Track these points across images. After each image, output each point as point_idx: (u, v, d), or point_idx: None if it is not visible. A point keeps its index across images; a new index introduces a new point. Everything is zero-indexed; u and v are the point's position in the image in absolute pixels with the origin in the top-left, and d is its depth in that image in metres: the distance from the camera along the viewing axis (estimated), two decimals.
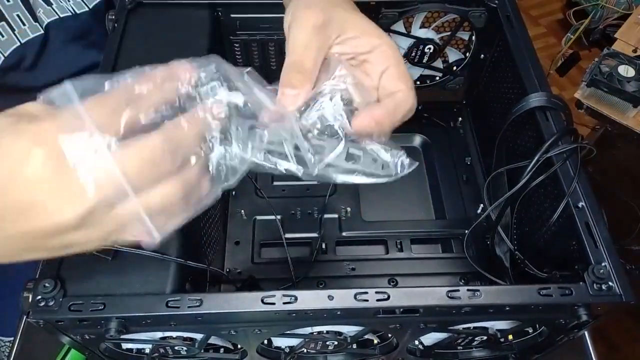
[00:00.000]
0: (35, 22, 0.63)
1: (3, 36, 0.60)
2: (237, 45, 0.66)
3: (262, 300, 0.38)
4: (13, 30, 0.61)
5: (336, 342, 0.47)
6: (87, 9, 0.68)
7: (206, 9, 0.59)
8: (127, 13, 0.57)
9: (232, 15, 0.62)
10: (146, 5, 0.58)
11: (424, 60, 0.66)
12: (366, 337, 0.49)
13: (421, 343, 0.52)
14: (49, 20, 0.64)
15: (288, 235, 0.63)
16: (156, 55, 0.54)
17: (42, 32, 0.63)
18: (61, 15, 0.65)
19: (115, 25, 0.56)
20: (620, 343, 1.29)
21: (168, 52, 0.55)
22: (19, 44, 0.61)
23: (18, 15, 0.61)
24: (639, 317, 1.28)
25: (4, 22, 0.60)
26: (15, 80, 0.63)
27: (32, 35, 0.62)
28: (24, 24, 0.62)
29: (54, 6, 0.65)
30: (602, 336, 1.29)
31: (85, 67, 0.68)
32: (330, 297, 0.39)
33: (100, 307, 0.37)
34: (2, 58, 0.60)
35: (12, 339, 0.61)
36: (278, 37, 0.65)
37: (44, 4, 0.64)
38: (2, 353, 0.71)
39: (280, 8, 0.61)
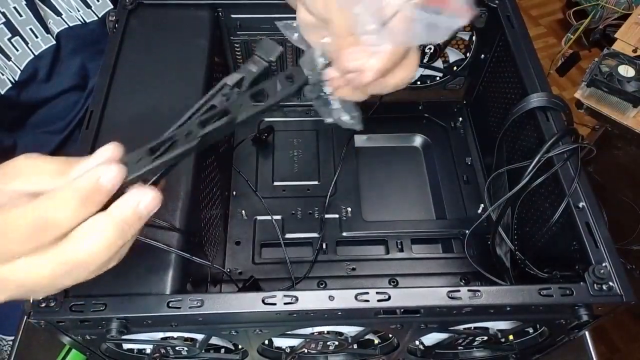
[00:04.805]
0: (47, 33, 0.63)
1: (18, 50, 0.61)
2: (237, 45, 0.66)
3: (263, 301, 0.38)
4: (27, 43, 0.61)
5: (337, 343, 0.47)
6: (96, 18, 0.68)
7: (206, 9, 0.59)
8: (127, 13, 0.57)
9: (232, 16, 0.62)
10: (146, 5, 0.58)
11: (425, 60, 0.66)
12: (367, 337, 0.49)
13: (422, 343, 0.52)
14: (58, 30, 0.64)
15: (289, 235, 0.63)
16: (156, 55, 0.55)
17: (54, 42, 0.64)
18: (70, 25, 0.65)
19: (116, 25, 0.56)
20: (620, 343, 1.29)
21: (168, 52, 0.55)
22: (33, 56, 0.62)
23: (31, 29, 0.62)
24: (639, 318, 1.28)
25: (17, 37, 0.61)
26: (32, 93, 0.63)
27: (45, 47, 0.63)
28: (36, 37, 0.62)
29: (63, 16, 0.65)
30: (603, 336, 1.29)
31: (95, 73, 0.68)
32: (331, 298, 0.39)
33: (101, 308, 0.37)
34: (19, 72, 0.61)
35: (14, 337, 0.61)
36: (278, 37, 0.65)
37: (53, 14, 0.64)
38: (4, 352, 0.71)
39: (280, 8, 0.61)
